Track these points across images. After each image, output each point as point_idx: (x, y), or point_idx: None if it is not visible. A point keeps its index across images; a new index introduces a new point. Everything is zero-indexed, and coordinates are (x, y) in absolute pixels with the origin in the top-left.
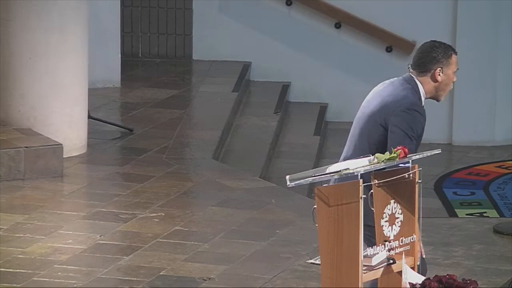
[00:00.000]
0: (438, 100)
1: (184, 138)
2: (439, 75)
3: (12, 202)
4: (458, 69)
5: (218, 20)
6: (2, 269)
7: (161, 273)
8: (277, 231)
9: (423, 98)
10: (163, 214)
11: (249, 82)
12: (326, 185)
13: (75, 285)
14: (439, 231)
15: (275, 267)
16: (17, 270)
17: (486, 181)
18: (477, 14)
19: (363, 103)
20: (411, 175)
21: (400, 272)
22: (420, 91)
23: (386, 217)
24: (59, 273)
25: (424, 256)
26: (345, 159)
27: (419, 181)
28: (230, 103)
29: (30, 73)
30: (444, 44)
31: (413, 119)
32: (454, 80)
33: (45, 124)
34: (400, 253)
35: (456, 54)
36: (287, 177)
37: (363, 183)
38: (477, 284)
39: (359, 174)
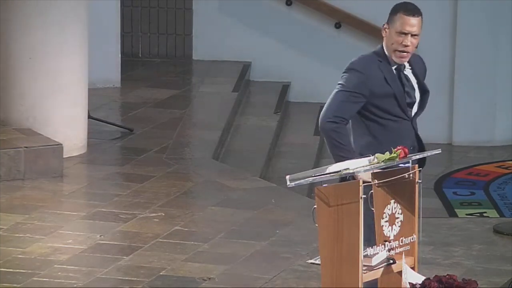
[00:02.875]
0: (398, 62)
1: (184, 138)
2: (384, 30)
3: (12, 202)
4: (404, 32)
5: (218, 20)
6: (2, 269)
7: (161, 273)
8: (277, 231)
9: (389, 57)
10: (163, 214)
11: (249, 82)
12: (326, 185)
13: (75, 285)
14: (439, 231)
15: (275, 267)
16: (17, 270)
17: (486, 181)
18: (477, 14)
19: None
20: (411, 175)
21: (400, 272)
22: (385, 51)
23: (386, 217)
24: (59, 273)
25: None
26: None
27: (419, 181)
28: (230, 103)
29: (30, 73)
30: (404, 2)
31: (347, 76)
32: (402, 42)
33: (45, 124)
34: (400, 253)
35: (408, 15)
36: (287, 177)
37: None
38: (477, 284)
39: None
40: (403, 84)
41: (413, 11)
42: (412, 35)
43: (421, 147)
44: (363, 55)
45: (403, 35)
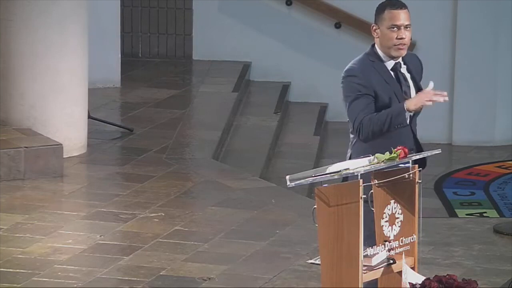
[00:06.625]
0: (395, 58)
1: (184, 138)
2: (375, 31)
3: (12, 202)
4: (397, 25)
5: (218, 20)
6: (2, 269)
7: (161, 273)
8: (277, 231)
9: (384, 57)
10: (163, 214)
11: (249, 82)
12: (326, 185)
13: (75, 285)
14: (439, 231)
15: (275, 267)
16: (17, 270)
17: (486, 181)
18: (477, 14)
19: None
20: (411, 175)
21: (400, 272)
22: (378, 51)
23: (386, 217)
24: (59, 273)
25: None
26: None
27: (419, 181)
28: (230, 103)
29: (30, 73)
30: (389, 0)
31: (347, 84)
32: (397, 36)
33: (45, 124)
34: (400, 253)
35: (396, 9)
36: (287, 177)
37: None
38: (477, 284)
39: (359, 174)
40: (400, 84)
41: (400, 4)
42: (404, 27)
43: (419, 151)
44: (355, 60)
45: (396, 29)
